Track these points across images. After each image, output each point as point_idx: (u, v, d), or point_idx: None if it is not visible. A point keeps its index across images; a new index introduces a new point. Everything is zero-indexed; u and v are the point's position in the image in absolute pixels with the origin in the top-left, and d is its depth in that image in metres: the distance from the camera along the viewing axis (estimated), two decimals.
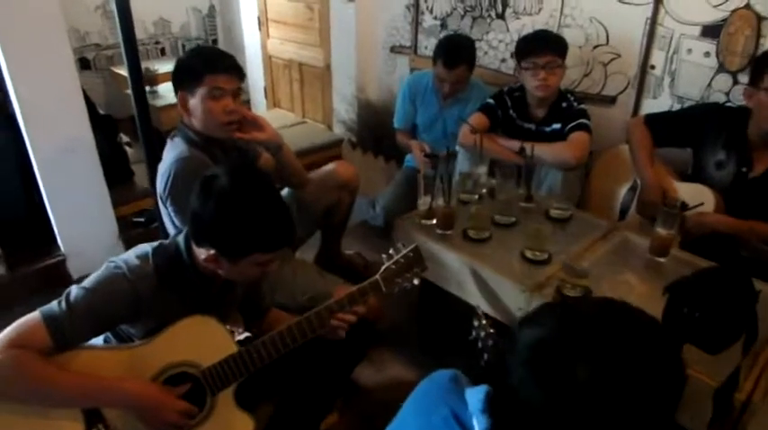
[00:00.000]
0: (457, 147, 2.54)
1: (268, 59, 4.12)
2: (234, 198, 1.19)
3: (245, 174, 1.23)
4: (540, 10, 2.55)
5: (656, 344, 0.70)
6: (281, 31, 3.93)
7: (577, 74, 2.52)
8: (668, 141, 2.15)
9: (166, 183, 1.72)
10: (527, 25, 2.60)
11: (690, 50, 2.19)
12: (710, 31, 2.12)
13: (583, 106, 2.30)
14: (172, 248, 1.31)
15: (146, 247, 1.31)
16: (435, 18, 2.97)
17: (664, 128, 2.13)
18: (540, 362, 0.70)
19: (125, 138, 3.34)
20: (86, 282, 1.23)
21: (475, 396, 0.79)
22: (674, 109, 2.29)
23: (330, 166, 2.27)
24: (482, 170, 2.13)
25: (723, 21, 2.08)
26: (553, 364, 0.69)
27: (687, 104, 2.26)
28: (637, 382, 0.67)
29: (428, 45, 3.06)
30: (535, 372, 0.70)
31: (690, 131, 2.09)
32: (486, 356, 1.37)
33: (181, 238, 1.31)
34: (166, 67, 3.88)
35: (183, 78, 1.73)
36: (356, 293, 1.45)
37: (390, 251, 1.56)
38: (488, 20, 2.75)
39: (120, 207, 2.80)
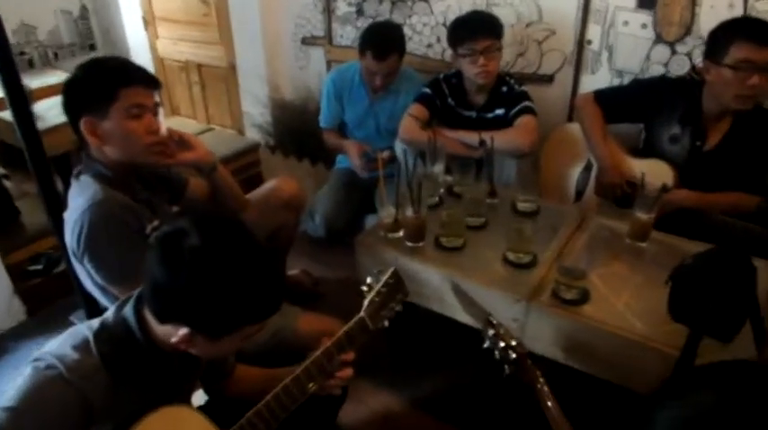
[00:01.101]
0: (396, 144, 2.36)
1: (159, 62, 3.70)
2: (213, 262, 0.92)
3: (218, 227, 0.96)
4: None
5: None
6: (172, 30, 3.52)
7: (511, 54, 2.40)
8: (620, 117, 2.09)
9: (80, 237, 1.37)
10: (452, 6, 2.44)
11: (626, 23, 2.13)
12: (646, 3, 2.07)
13: (524, 88, 2.20)
14: (119, 328, 1.01)
15: (82, 331, 1.00)
16: (350, 4, 2.74)
17: (615, 104, 2.07)
18: None
19: (0, 171, 2.83)
20: (8, 399, 0.91)
21: None
22: (613, 84, 2.24)
23: (270, 184, 1.99)
24: (439, 169, 1.95)
25: None
26: None
27: (627, 78, 2.21)
28: None
29: (344, 34, 2.83)
30: None
31: (643, 106, 2.04)
32: (507, 369, 1.26)
33: (128, 312, 1.01)
34: (38, 81, 3.35)
35: (88, 99, 1.39)
36: (343, 339, 1.23)
37: (368, 280, 1.37)
38: (410, 3, 2.56)
39: (9, 255, 2.35)
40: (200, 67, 3.51)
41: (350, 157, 2.51)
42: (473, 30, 2.09)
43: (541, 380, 1.18)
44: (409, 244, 1.67)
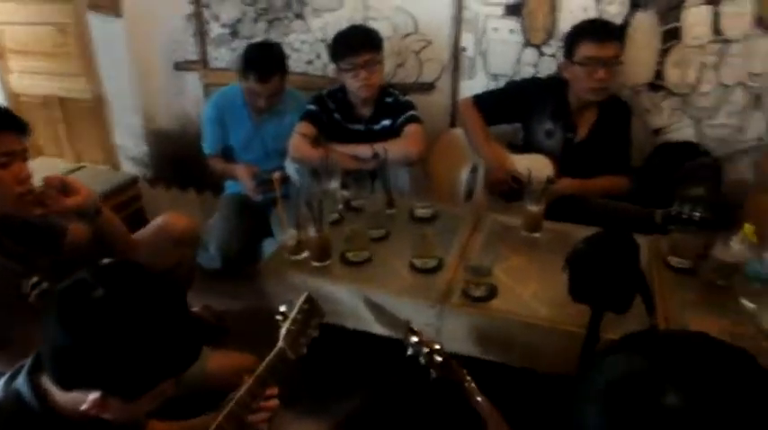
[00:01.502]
0: (287, 164, 2.33)
1: (14, 99, 3.36)
2: (124, 314, 0.84)
3: (122, 275, 0.87)
4: (341, 4, 2.42)
5: (749, 368, 0.62)
6: (27, 63, 3.21)
7: (391, 65, 2.45)
8: (499, 118, 2.22)
9: None
10: (330, 22, 2.45)
11: (496, 30, 2.27)
12: (513, 10, 2.22)
13: (408, 98, 2.26)
14: (11, 403, 0.88)
15: None
16: (224, 26, 2.66)
17: (493, 106, 2.19)
18: (622, 398, 0.62)
19: None
20: None
21: None
22: (489, 87, 2.36)
23: (159, 221, 1.86)
24: (335, 185, 1.94)
25: None
26: (638, 397, 0.61)
27: (502, 81, 2.35)
28: (733, 408, 0.59)
29: (219, 56, 2.75)
30: (614, 410, 0.62)
31: (518, 106, 2.17)
32: (433, 373, 1.27)
33: (21, 384, 0.89)
34: None
35: None
36: (265, 374, 1.17)
37: (282, 309, 1.33)
38: (286, 21, 2.54)
39: None
40: (62, 101, 3.24)
41: (241, 181, 2.42)
42: (353, 44, 2.11)
43: (468, 378, 1.20)
44: (315, 263, 1.64)
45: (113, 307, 0.84)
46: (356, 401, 1.90)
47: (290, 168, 2.30)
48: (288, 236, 1.66)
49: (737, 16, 2.03)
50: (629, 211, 1.96)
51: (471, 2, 2.24)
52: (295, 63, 2.60)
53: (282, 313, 1.30)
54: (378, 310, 1.55)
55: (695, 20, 2.07)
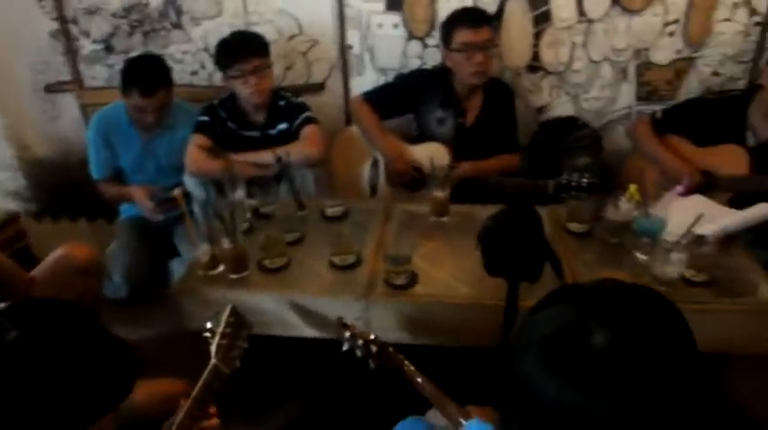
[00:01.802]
0: (185, 179, 2.24)
1: None
2: (47, 354, 0.78)
3: (34, 312, 0.81)
4: (220, 11, 2.36)
5: (663, 305, 0.69)
6: None
7: (279, 68, 2.43)
8: (391, 112, 2.27)
9: None
10: (211, 30, 2.39)
11: (380, 25, 2.32)
12: (393, 5, 2.28)
13: (301, 100, 2.26)
14: None
15: None
16: (96, 42, 2.51)
17: (384, 101, 2.24)
18: (556, 346, 0.67)
19: None
20: None
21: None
22: (379, 83, 2.41)
23: (57, 253, 1.73)
24: (240, 194, 1.90)
25: None
26: (569, 343, 0.66)
27: (391, 75, 2.40)
28: (652, 337, 0.66)
29: (95, 74, 2.59)
30: (550, 359, 0.66)
31: (407, 99, 2.24)
32: (372, 363, 1.29)
33: None
34: None
35: None
36: (202, 394, 1.14)
37: (209, 325, 1.28)
38: (163, 32, 2.44)
39: None
40: None
41: (138, 203, 2.30)
42: (240, 51, 2.08)
43: (406, 362, 1.23)
44: (233, 276, 1.61)
45: (32, 346, 0.78)
46: (295, 407, 1.88)
47: (189, 183, 2.22)
48: (201, 251, 1.61)
49: None
50: (525, 186, 2.08)
51: None
52: (179, 75, 2.50)
53: (210, 330, 1.26)
54: (306, 313, 1.54)
55: (562, 3, 2.24)
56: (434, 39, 2.31)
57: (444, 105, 2.21)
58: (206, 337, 1.25)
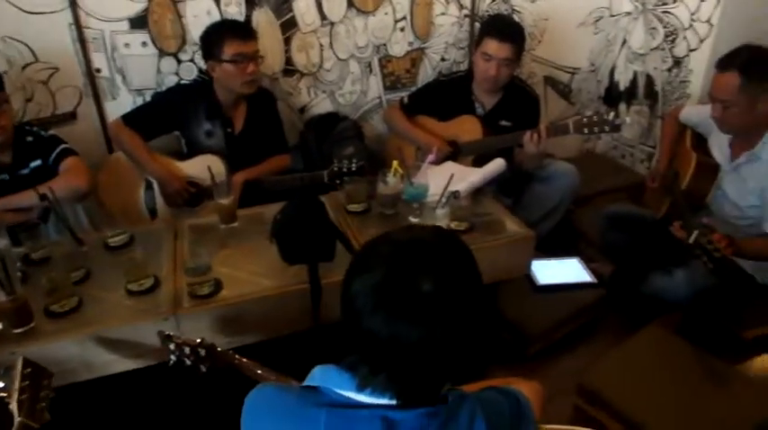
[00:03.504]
0: None
1: None
2: None
3: None
4: None
5: (462, 248, 0.83)
6: None
7: (19, 102, 2.21)
8: (155, 132, 2.24)
9: None
10: None
11: (128, 45, 2.24)
12: (138, 23, 2.22)
13: (51, 133, 2.07)
14: None
15: None
16: None
17: (144, 122, 2.20)
18: (387, 297, 0.75)
19: None
20: None
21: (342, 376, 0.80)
22: (138, 103, 2.34)
23: None
24: (4, 243, 1.71)
25: (145, 11, 2.20)
26: (400, 292, 0.74)
27: (148, 95, 2.35)
28: (465, 281, 0.80)
29: None
30: (386, 307, 0.74)
31: (169, 116, 2.22)
32: (203, 368, 1.31)
33: None
34: None
35: None
36: None
37: (1, 385, 1.18)
38: None
39: None
40: None
41: None
42: None
43: (237, 356, 1.27)
44: (18, 331, 1.45)
45: None
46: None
47: None
48: None
49: (334, 2, 2.45)
50: (304, 179, 2.23)
51: (92, 20, 2.16)
52: None
53: (3, 389, 1.16)
54: (115, 345, 1.48)
55: (303, 9, 2.42)
56: (187, 53, 2.32)
57: (210, 117, 2.24)
58: (2, 398, 1.14)
